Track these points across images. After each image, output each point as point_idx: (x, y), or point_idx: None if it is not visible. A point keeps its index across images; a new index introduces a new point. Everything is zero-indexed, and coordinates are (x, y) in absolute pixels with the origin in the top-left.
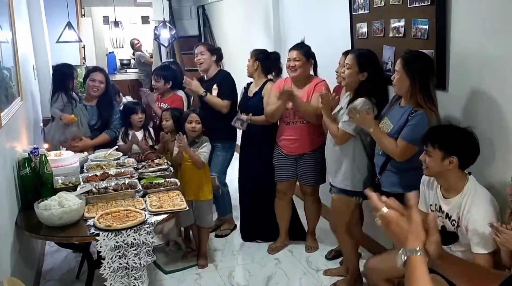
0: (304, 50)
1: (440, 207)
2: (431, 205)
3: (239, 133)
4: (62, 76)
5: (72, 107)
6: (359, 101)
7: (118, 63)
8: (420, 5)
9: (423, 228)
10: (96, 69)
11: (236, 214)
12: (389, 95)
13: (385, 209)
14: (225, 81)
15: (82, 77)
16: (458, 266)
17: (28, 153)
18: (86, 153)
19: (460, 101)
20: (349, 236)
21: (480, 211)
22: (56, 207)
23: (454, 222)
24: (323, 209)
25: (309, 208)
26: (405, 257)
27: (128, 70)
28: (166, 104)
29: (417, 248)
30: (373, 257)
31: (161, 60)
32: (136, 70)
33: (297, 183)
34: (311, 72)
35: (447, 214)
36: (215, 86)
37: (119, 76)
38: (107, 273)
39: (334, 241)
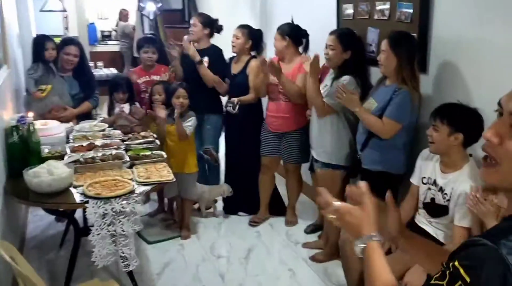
0: (283, 30)
1: (435, 180)
2: (424, 177)
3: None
4: (40, 47)
5: (50, 78)
6: (345, 78)
7: (99, 35)
8: None
9: (383, 208)
10: (70, 41)
11: None
12: (370, 76)
13: (337, 203)
14: (216, 57)
15: None
16: (417, 243)
17: (16, 122)
18: (71, 123)
19: (439, 83)
20: None
21: (470, 189)
22: (46, 174)
23: (446, 195)
24: (303, 186)
25: (290, 185)
26: (363, 245)
27: (109, 42)
28: (158, 76)
29: (373, 234)
30: None
31: (143, 32)
32: (117, 42)
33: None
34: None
35: (441, 187)
36: (206, 59)
37: (99, 48)
38: (96, 240)
39: (313, 217)
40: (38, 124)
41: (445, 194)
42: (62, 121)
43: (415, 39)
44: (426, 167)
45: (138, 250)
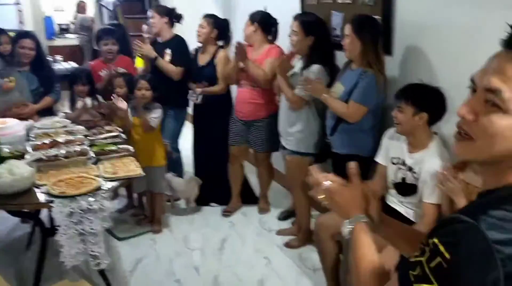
0: (253, 17)
1: (403, 160)
2: (393, 158)
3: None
4: None
5: (11, 71)
6: (314, 69)
7: (57, 28)
8: None
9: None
10: (25, 34)
11: None
12: (337, 60)
13: (327, 182)
14: (179, 47)
15: None
16: (397, 228)
17: None
18: (31, 121)
19: (404, 65)
20: (303, 195)
21: (438, 165)
22: (6, 175)
23: (415, 174)
24: (275, 174)
25: (261, 174)
26: (351, 226)
27: (67, 35)
28: (121, 68)
29: (361, 215)
30: (323, 214)
31: (102, 25)
32: (76, 35)
33: (250, 150)
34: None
35: (410, 167)
36: (168, 51)
37: (57, 42)
38: (63, 240)
39: (285, 203)
40: None
41: (414, 172)
42: (23, 118)
43: (379, 22)
44: (394, 148)
45: (108, 247)
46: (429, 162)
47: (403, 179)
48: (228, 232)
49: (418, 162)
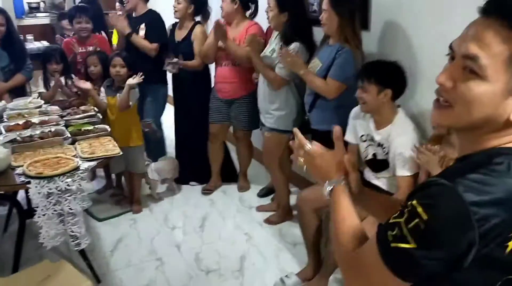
0: None
1: (372, 137)
2: (362, 135)
3: (169, 76)
4: None
5: None
6: (293, 46)
7: (26, 7)
8: None
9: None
10: None
11: None
12: (314, 36)
13: (309, 145)
14: (154, 23)
15: None
16: (377, 199)
17: None
18: (3, 101)
19: (381, 40)
20: (281, 171)
21: (406, 138)
22: None
23: (385, 149)
24: (254, 152)
25: (241, 152)
26: (330, 188)
27: (38, 14)
28: (91, 47)
29: (341, 178)
30: (305, 189)
31: (74, 3)
32: (47, 14)
33: (231, 128)
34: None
35: (379, 143)
36: (142, 26)
37: (27, 21)
38: (42, 221)
39: (264, 181)
40: None
41: (384, 148)
42: None
43: None
44: (361, 126)
45: (88, 228)
46: (397, 137)
47: (374, 155)
48: (209, 210)
49: (386, 137)
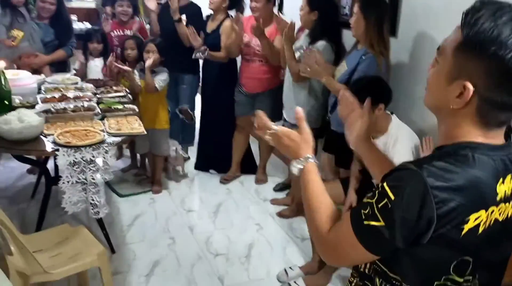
0: None
1: None
2: None
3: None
4: None
5: (20, 24)
6: (319, 45)
7: None
8: None
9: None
10: None
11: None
12: (343, 38)
13: (275, 127)
14: (194, 15)
15: None
16: (376, 153)
17: None
18: (43, 75)
19: (409, 47)
20: None
21: (401, 146)
22: (16, 122)
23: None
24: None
25: (262, 145)
26: (300, 166)
27: None
28: (130, 31)
29: (310, 156)
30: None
31: None
32: None
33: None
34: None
35: None
36: (183, 16)
37: (75, 3)
38: (66, 187)
39: (282, 176)
40: (10, 73)
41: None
42: (33, 68)
43: (387, 2)
44: None
45: (109, 202)
46: (393, 146)
47: None
48: (224, 198)
49: (382, 147)
